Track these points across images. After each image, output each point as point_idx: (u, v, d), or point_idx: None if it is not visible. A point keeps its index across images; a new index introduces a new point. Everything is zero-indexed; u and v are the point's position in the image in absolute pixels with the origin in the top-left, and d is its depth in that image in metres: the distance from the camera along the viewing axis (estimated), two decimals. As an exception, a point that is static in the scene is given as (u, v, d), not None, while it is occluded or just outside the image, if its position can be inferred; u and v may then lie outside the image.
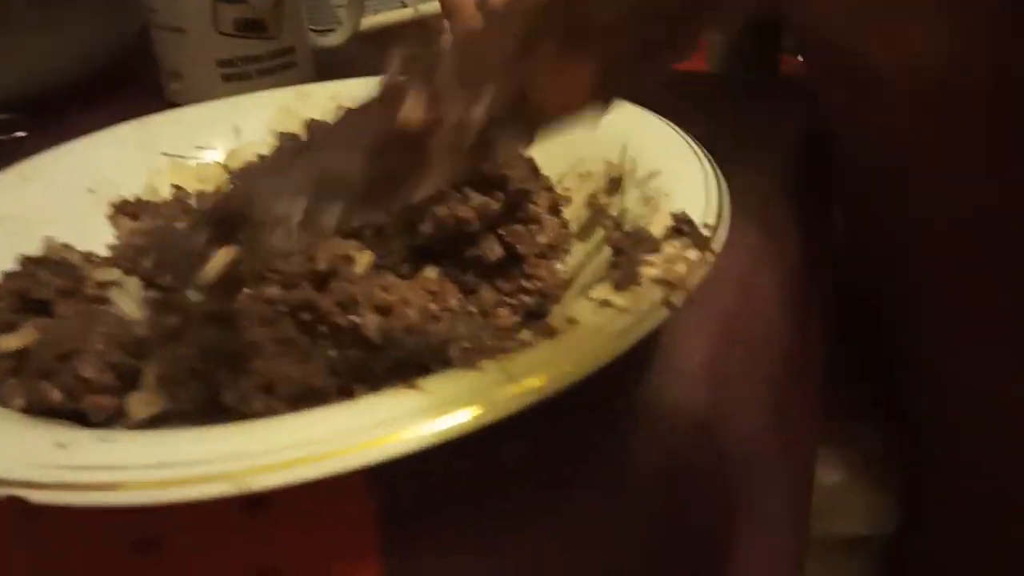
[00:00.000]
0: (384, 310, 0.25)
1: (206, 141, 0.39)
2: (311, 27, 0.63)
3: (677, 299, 0.23)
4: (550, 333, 0.21)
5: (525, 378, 0.20)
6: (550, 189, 0.32)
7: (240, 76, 0.51)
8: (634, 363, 0.29)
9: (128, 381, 0.25)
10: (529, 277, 0.28)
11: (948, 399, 0.37)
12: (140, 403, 0.25)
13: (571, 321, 0.22)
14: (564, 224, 0.32)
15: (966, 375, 0.35)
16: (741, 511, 0.29)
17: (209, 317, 0.24)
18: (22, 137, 0.50)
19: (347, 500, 0.22)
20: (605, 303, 0.23)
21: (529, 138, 0.20)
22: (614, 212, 0.31)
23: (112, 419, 0.25)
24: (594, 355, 0.21)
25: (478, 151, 0.19)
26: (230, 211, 0.21)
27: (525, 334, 0.22)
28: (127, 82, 0.56)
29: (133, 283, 0.27)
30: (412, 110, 0.18)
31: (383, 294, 0.25)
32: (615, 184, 0.32)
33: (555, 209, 0.32)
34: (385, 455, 0.19)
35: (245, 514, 0.21)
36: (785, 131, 0.44)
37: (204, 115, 0.39)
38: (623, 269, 0.24)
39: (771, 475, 0.32)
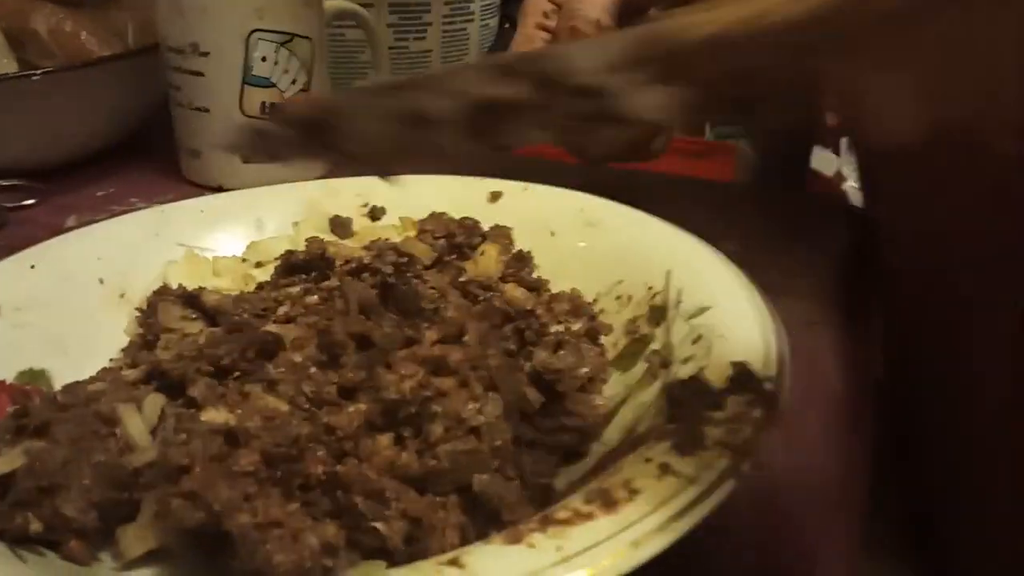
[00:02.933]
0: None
1: (226, 232, 0.37)
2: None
3: (746, 467, 0.21)
4: (610, 503, 0.19)
5: (581, 559, 0.18)
6: (592, 317, 0.30)
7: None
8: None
9: (118, 515, 0.23)
10: (569, 414, 0.26)
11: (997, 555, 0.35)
12: (132, 539, 0.22)
13: (631, 489, 0.20)
14: (602, 352, 0.30)
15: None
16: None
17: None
18: (30, 204, 0.48)
19: None
20: (666, 468, 0.21)
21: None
22: (657, 345, 0.29)
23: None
24: (660, 534, 0.19)
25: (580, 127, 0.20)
26: (317, 116, 0.22)
27: (578, 501, 0.20)
28: (140, 154, 0.54)
29: (154, 400, 0.25)
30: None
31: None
32: (658, 313, 0.30)
33: (594, 337, 0.30)
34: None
35: None
36: (824, 252, 0.43)
37: (225, 205, 0.38)
38: (684, 428, 0.22)
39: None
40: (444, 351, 0.25)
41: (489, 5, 0.76)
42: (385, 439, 0.22)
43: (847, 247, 0.44)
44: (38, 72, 0.46)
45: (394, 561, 0.21)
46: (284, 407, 0.24)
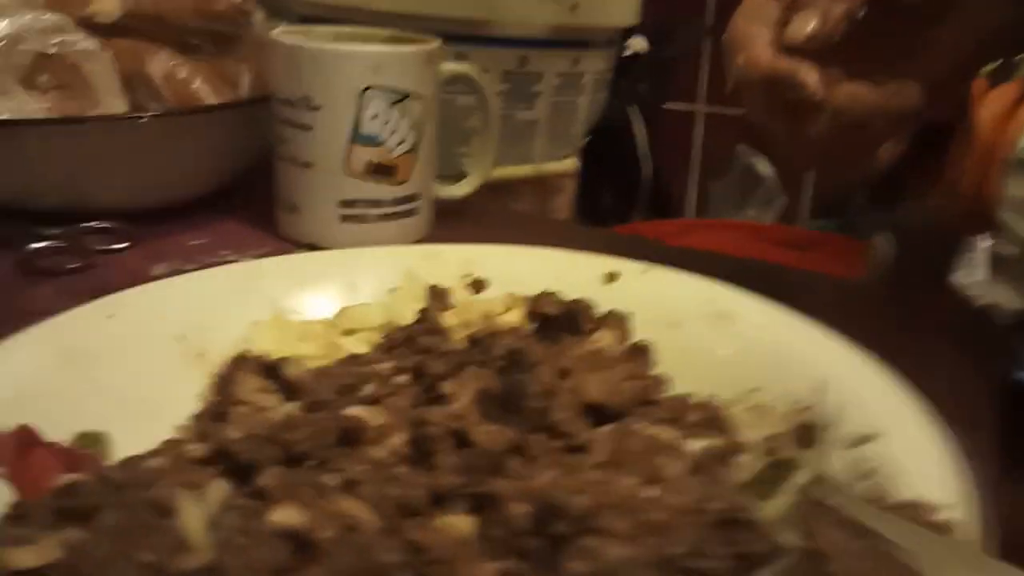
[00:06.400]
0: None
1: (317, 294, 0.34)
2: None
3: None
4: None
5: None
6: (723, 430, 0.26)
7: (359, 218, 0.47)
8: None
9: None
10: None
11: None
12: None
13: None
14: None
15: None
16: None
17: None
18: (121, 248, 0.47)
19: None
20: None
21: None
22: (807, 475, 0.24)
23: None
24: None
25: None
26: None
27: None
28: (235, 206, 0.53)
29: (218, 488, 0.21)
30: None
31: None
32: (807, 434, 0.26)
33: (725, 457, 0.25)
34: None
35: None
36: (986, 380, 0.36)
37: (319, 265, 0.35)
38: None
39: None
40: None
41: (600, 79, 0.74)
42: (491, 569, 0.18)
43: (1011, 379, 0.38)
44: (146, 115, 0.46)
45: None
46: (365, 515, 0.20)
